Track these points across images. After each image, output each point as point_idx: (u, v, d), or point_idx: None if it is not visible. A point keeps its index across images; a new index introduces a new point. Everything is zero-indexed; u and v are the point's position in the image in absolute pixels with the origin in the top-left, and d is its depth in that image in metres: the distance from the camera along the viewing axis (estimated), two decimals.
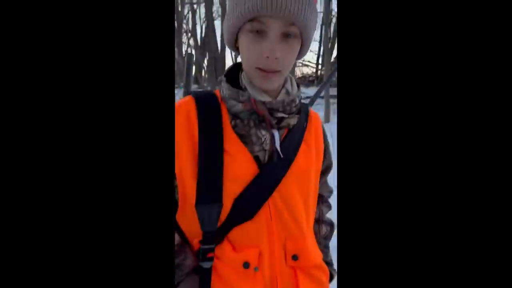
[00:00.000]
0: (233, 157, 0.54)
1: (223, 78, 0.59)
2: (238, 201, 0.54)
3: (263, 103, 0.55)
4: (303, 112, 0.62)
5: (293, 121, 0.58)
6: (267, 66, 0.52)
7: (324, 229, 0.72)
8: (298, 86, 0.61)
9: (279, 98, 0.57)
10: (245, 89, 0.56)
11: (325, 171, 0.70)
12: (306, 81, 10.81)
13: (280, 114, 0.56)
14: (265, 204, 0.55)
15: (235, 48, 0.58)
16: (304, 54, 0.60)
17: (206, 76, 11.94)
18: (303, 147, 0.60)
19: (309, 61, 11.92)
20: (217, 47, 10.46)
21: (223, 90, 0.58)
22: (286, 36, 0.51)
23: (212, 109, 0.56)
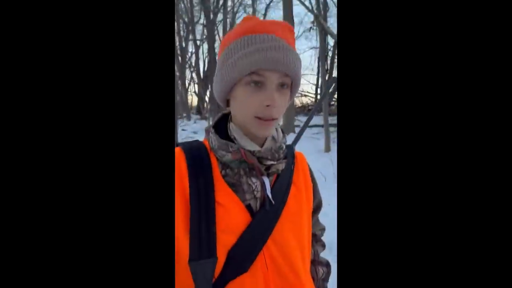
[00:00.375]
0: (226, 208, 0.54)
1: (211, 129, 0.60)
2: (232, 253, 0.52)
3: (252, 152, 0.56)
4: (289, 155, 0.64)
5: (281, 166, 0.59)
6: (266, 115, 0.54)
7: (321, 270, 0.71)
8: (283, 132, 0.64)
9: (267, 145, 0.59)
10: (234, 139, 0.58)
11: (316, 209, 0.70)
12: (305, 110, 11.05)
13: (269, 162, 0.57)
14: (260, 253, 0.54)
15: (225, 102, 0.61)
16: (290, 101, 0.63)
17: (208, 107, 12.21)
18: (292, 190, 0.61)
19: (308, 92, 12.59)
20: None
21: (212, 141, 0.59)
22: (281, 86, 0.55)
23: (202, 161, 0.57)
